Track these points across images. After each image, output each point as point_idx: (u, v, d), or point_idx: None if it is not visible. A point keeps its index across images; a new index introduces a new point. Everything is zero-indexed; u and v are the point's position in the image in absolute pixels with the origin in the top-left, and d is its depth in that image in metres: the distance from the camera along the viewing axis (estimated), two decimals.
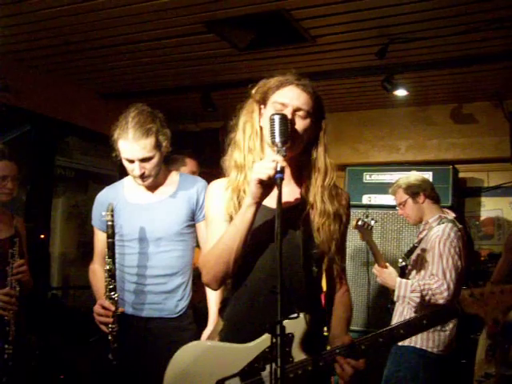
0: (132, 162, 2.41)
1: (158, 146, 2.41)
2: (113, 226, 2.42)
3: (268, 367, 1.40)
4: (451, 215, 3.24)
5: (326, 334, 1.86)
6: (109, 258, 2.40)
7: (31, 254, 3.05)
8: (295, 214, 1.76)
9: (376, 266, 3.19)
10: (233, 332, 1.77)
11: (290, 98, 1.73)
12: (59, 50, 4.06)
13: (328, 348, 1.77)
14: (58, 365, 4.13)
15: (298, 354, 1.62)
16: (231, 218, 1.73)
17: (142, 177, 2.43)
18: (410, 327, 1.63)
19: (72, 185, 5.43)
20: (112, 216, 2.41)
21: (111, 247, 2.41)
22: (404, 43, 3.65)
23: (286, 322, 1.35)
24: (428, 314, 1.67)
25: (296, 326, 1.61)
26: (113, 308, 2.36)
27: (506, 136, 4.74)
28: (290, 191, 1.81)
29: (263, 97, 1.79)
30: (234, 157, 1.82)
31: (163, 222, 2.48)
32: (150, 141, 2.37)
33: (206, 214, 1.88)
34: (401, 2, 3.15)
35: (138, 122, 2.37)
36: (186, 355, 1.74)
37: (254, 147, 1.79)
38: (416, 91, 4.65)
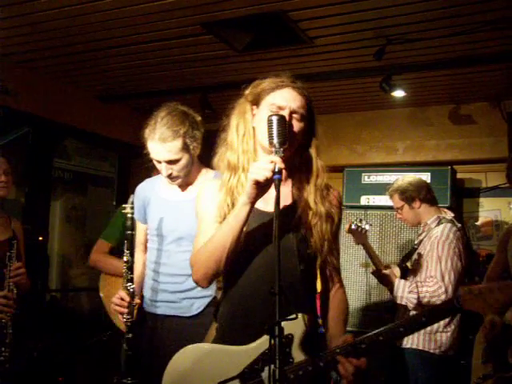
0: (159, 162, 2.40)
1: (185, 148, 2.36)
2: (132, 218, 2.43)
3: (267, 369, 1.39)
4: (450, 215, 3.22)
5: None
6: (127, 249, 2.41)
7: (30, 257, 3.04)
8: (288, 216, 1.76)
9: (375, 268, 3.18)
10: (228, 334, 1.76)
11: (287, 100, 1.73)
12: (58, 53, 4.05)
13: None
14: (57, 367, 4.12)
15: (298, 355, 1.62)
16: (224, 219, 1.72)
17: (170, 177, 2.42)
18: (409, 325, 1.63)
19: (70, 187, 5.44)
20: (132, 208, 2.44)
21: (130, 239, 2.42)
22: (402, 44, 3.65)
23: (284, 323, 1.35)
24: (426, 311, 1.68)
25: (295, 326, 1.60)
26: (127, 299, 2.37)
27: (503, 137, 4.75)
28: (283, 194, 1.78)
29: (256, 98, 1.80)
30: (227, 157, 1.81)
31: (185, 222, 2.41)
32: (176, 143, 2.33)
33: (198, 213, 1.87)
34: (398, 3, 3.15)
35: (166, 123, 2.34)
36: (184, 358, 1.73)
37: (248, 148, 1.79)
38: (414, 92, 4.64)
